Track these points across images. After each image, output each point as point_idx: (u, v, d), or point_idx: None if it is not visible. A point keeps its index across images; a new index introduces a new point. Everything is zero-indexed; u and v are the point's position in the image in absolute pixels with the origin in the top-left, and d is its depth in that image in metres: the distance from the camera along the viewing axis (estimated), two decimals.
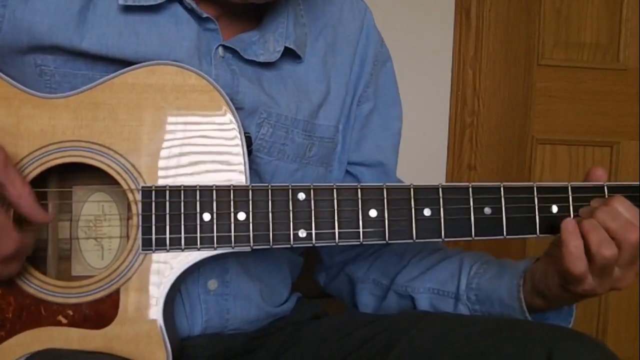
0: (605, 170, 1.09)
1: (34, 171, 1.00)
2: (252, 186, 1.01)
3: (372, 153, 1.33)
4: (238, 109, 1.05)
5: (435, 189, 1.04)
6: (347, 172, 1.32)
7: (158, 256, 1.00)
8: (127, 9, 1.08)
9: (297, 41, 1.20)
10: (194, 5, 1.10)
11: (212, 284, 1.13)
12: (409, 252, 1.29)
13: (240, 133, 1.03)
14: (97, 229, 1.06)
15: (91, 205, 1.07)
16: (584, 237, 1.01)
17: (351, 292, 1.35)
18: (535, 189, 1.05)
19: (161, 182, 1.01)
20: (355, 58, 1.30)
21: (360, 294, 1.32)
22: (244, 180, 1.02)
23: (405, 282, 1.25)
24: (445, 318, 1.11)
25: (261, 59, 1.15)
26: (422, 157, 2.39)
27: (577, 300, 1.10)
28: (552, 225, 1.05)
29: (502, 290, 1.13)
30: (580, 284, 1.03)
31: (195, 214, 1.00)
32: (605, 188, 1.06)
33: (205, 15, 1.11)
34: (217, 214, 1.00)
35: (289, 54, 1.19)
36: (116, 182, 1.01)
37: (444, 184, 1.03)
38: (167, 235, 1.00)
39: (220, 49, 1.13)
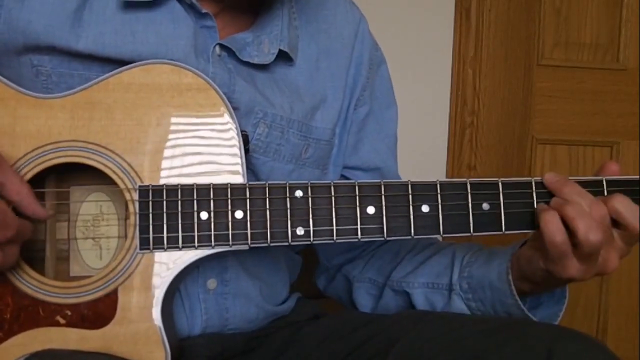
0: (619, 166, 1.08)
1: (30, 171, 1.00)
2: (250, 184, 1.01)
3: (368, 157, 1.33)
4: (234, 108, 1.05)
5: (433, 185, 1.03)
6: (344, 176, 1.32)
7: (156, 255, 1.00)
8: (125, 5, 1.08)
9: (290, 44, 1.20)
10: (194, 0, 1.10)
11: (212, 283, 1.13)
12: (403, 248, 1.30)
13: (237, 131, 1.03)
14: (95, 229, 1.06)
15: (89, 205, 1.07)
16: (568, 223, 0.99)
17: (348, 293, 1.35)
18: (533, 183, 1.04)
19: (158, 181, 1.01)
20: (352, 62, 1.30)
21: (357, 294, 1.32)
22: (241, 179, 1.02)
23: (400, 278, 1.25)
24: (445, 318, 1.11)
25: (256, 60, 1.15)
26: (422, 157, 2.38)
27: (564, 284, 1.10)
28: None
29: (492, 274, 1.13)
30: (563, 268, 1.01)
31: (193, 212, 1.00)
32: (604, 182, 1.05)
33: (204, 11, 1.11)
34: (214, 212, 1.00)
35: (281, 57, 1.19)
36: (114, 182, 1.01)
37: (442, 179, 1.03)
38: (165, 235, 0.99)
39: (217, 48, 1.13)
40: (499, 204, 1.03)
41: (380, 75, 1.36)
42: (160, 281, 1.00)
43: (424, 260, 1.25)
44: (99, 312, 0.99)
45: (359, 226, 1.01)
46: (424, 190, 1.03)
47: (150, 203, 1.00)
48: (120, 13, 1.08)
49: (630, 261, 2.56)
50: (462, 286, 1.17)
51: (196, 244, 1.00)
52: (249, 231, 1.00)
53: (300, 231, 1.01)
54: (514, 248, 1.12)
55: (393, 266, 1.28)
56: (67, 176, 1.05)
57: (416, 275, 1.24)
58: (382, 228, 1.02)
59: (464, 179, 1.04)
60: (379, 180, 1.03)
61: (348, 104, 1.29)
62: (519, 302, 1.10)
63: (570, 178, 1.05)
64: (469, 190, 1.03)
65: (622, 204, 1.01)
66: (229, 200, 1.00)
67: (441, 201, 1.03)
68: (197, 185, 1.00)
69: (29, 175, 0.99)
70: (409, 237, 1.02)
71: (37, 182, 1.01)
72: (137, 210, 1.00)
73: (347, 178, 1.32)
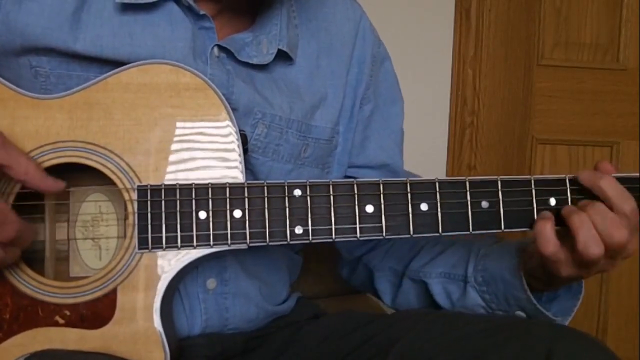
0: (613, 166, 1.08)
1: None
2: (248, 183, 1.01)
3: (376, 154, 1.33)
4: (233, 109, 1.05)
5: (432, 183, 1.03)
6: (351, 176, 1.32)
7: (155, 255, 1.00)
8: (123, 7, 1.08)
9: (290, 43, 1.20)
10: (191, 2, 1.10)
11: (211, 283, 1.13)
12: (421, 239, 1.30)
13: (235, 130, 1.03)
14: (94, 230, 1.06)
15: (88, 206, 1.06)
16: (573, 231, 0.99)
17: (370, 281, 1.36)
18: (532, 182, 1.04)
19: (157, 180, 1.01)
20: (353, 60, 1.29)
21: (379, 283, 1.34)
22: (239, 178, 1.02)
23: (419, 267, 1.26)
24: (445, 318, 1.11)
25: (254, 60, 1.15)
26: (422, 157, 2.37)
27: (565, 283, 1.10)
28: None
29: (504, 268, 1.13)
30: (557, 270, 1.02)
31: (191, 212, 1.00)
32: None
33: (202, 12, 1.11)
34: (212, 211, 1.00)
35: (281, 56, 1.19)
36: (112, 182, 1.01)
37: (441, 178, 1.03)
38: (164, 234, 0.99)
39: (216, 49, 1.13)
40: (498, 202, 1.03)
41: (384, 71, 1.36)
42: (160, 280, 1.00)
43: (442, 251, 1.25)
44: (98, 312, 0.99)
45: (357, 225, 1.01)
46: (422, 189, 1.03)
47: (149, 203, 1.00)
48: (118, 15, 1.08)
49: (631, 261, 2.55)
50: (477, 279, 1.17)
51: (195, 244, 0.99)
52: (247, 230, 1.00)
53: (298, 230, 1.01)
54: (524, 243, 1.12)
55: (412, 255, 1.28)
56: (66, 176, 1.04)
57: (433, 265, 1.24)
58: (381, 227, 1.02)
59: (463, 177, 1.04)
60: (377, 179, 1.03)
61: (352, 102, 1.29)
62: (530, 296, 1.10)
63: (568, 176, 1.05)
64: (468, 189, 1.03)
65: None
66: (228, 200, 1.00)
67: (440, 199, 1.03)
68: (195, 184, 1.00)
69: None
70: (408, 236, 1.02)
71: None
72: (136, 210, 1.00)
73: (355, 177, 1.32)
